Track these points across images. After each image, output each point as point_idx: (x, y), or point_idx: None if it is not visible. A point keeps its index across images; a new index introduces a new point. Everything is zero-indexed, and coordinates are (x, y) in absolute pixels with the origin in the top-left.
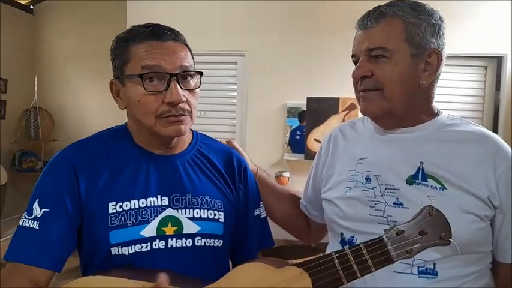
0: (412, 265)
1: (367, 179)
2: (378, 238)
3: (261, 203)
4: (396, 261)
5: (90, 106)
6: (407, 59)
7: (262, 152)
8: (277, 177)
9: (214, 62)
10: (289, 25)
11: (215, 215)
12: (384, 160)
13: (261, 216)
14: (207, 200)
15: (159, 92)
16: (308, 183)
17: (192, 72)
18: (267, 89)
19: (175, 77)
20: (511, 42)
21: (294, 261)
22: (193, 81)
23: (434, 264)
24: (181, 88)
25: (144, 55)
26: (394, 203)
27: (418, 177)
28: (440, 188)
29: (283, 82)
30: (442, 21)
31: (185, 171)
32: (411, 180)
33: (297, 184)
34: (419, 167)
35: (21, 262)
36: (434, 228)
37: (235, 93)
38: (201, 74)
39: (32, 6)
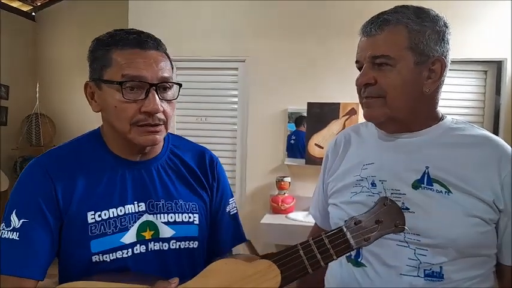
0: (418, 268)
1: (373, 184)
2: (337, 228)
3: (232, 199)
4: (355, 248)
5: (91, 112)
6: (411, 67)
7: (263, 157)
8: (278, 182)
9: (215, 67)
10: (290, 30)
11: (189, 217)
12: (389, 165)
13: (231, 213)
14: (181, 203)
15: (137, 100)
16: (318, 192)
17: (171, 84)
18: (267, 94)
19: (154, 87)
20: (510, 46)
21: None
22: (171, 92)
23: (440, 267)
24: (160, 98)
25: (126, 63)
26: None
27: (424, 181)
28: (445, 192)
29: (284, 87)
30: (447, 27)
31: (159, 177)
32: (417, 185)
33: (298, 189)
34: (425, 171)
35: (5, 274)
36: (390, 217)
37: (236, 99)
38: (180, 85)
39: (33, 13)
